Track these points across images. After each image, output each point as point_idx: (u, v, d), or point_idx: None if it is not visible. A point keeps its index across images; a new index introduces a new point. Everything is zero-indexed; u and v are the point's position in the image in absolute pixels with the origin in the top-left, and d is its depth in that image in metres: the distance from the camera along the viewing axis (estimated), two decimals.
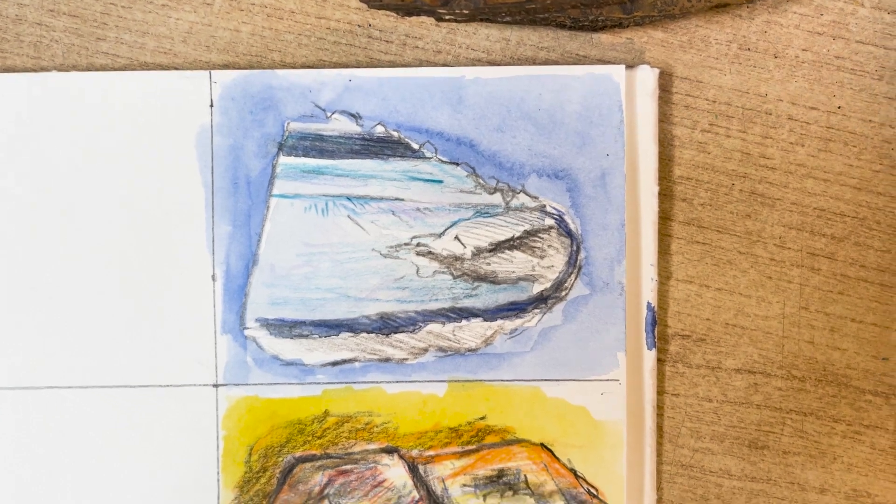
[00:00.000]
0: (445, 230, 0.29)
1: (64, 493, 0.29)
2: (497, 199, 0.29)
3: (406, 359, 0.29)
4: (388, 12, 0.29)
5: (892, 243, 0.30)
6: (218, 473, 0.29)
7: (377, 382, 0.29)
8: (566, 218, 0.29)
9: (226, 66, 0.30)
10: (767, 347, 0.30)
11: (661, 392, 0.30)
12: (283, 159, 0.29)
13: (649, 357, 0.29)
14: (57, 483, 0.29)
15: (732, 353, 0.30)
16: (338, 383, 0.29)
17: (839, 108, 0.30)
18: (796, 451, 0.30)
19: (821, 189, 0.30)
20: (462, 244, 0.29)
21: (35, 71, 0.30)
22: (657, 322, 0.30)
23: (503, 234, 0.29)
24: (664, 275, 0.30)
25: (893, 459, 0.30)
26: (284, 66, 0.30)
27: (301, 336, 0.29)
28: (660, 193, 0.30)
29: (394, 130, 0.29)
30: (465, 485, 0.29)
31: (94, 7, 0.30)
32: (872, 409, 0.30)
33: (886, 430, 0.30)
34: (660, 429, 0.30)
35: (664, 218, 0.30)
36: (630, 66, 0.29)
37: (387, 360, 0.29)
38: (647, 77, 0.29)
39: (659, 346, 0.30)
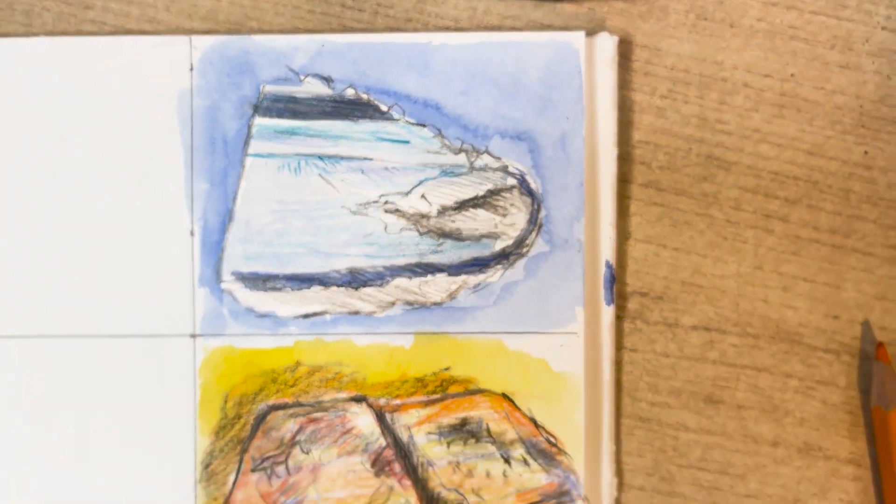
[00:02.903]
0: (412, 189, 0.30)
1: (41, 442, 0.30)
2: (462, 159, 0.30)
3: (374, 312, 0.31)
4: None
5: (843, 206, 0.31)
6: (195, 421, 0.31)
7: (346, 334, 0.31)
8: (527, 178, 0.30)
9: (206, 33, 0.31)
10: (723, 305, 0.31)
11: (619, 348, 0.31)
12: (259, 120, 0.30)
13: (607, 312, 0.31)
14: (33, 432, 0.30)
15: (689, 311, 0.31)
16: (309, 335, 0.31)
17: (792, 75, 0.31)
18: (750, 406, 0.32)
19: (775, 153, 0.31)
20: (428, 202, 0.30)
21: (25, 37, 0.32)
22: (615, 280, 0.31)
23: (467, 193, 0.30)
24: (623, 235, 0.31)
25: (844, 414, 0.31)
26: (262, 32, 0.31)
27: (274, 289, 0.31)
28: (619, 156, 0.31)
29: (363, 93, 0.30)
30: (430, 433, 0.31)
31: None
32: (824, 366, 0.31)
33: (837, 386, 0.31)
34: (618, 383, 0.31)
35: (623, 180, 0.31)
36: (590, 34, 0.30)
37: (356, 312, 0.31)
38: (606, 44, 0.30)
39: (618, 303, 0.31)
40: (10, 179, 0.30)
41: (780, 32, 0.31)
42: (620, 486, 0.31)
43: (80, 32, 0.32)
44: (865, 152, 0.31)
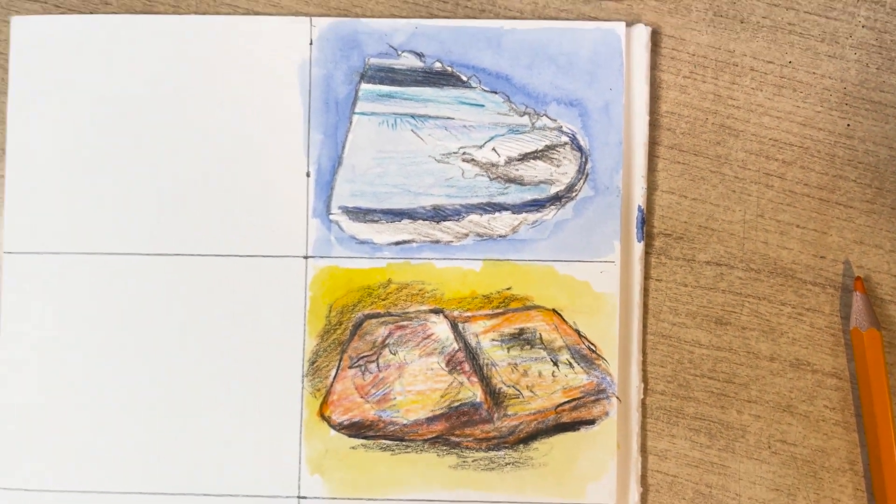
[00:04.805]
0: (485, 143, 0.38)
1: (173, 340, 0.38)
2: (525, 120, 0.38)
3: (451, 241, 0.38)
4: None
5: (828, 167, 0.39)
6: (304, 326, 0.38)
7: (429, 259, 0.38)
8: (577, 136, 0.38)
9: (319, 15, 0.39)
10: (731, 245, 0.39)
11: (647, 277, 0.39)
12: (364, 86, 0.38)
13: (638, 248, 0.38)
14: (169, 334, 0.38)
15: (704, 249, 0.39)
16: (399, 258, 0.38)
17: (790, 62, 0.39)
18: (752, 328, 0.39)
19: (774, 124, 0.39)
20: (497, 154, 0.38)
21: (168, 15, 0.39)
22: (645, 222, 0.38)
23: (529, 148, 0.38)
24: (652, 186, 0.39)
25: (828, 336, 0.39)
26: (365, 17, 0.39)
27: (372, 221, 0.38)
28: (650, 123, 0.38)
29: (448, 66, 0.38)
30: (493, 339, 0.38)
31: None
32: (812, 296, 0.39)
33: (822, 313, 0.39)
34: (645, 305, 0.39)
35: (653, 142, 0.39)
36: (629, 25, 0.38)
37: (437, 241, 0.38)
38: (641, 33, 0.38)
39: (646, 241, 0.39)
40: (166, 129, 0.38)
41: (780, 27, 0.39)
42: (645, 389, 0.39)
43: (218, 12, 0.39)
44: (848, 125, 0.39)
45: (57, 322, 0.38)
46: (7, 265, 0.38)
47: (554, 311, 0.38)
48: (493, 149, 0.38)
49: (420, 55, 0.38)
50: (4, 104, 0.39)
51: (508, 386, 0.38)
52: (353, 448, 0.38)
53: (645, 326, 0.39)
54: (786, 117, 0.39)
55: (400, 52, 0.38)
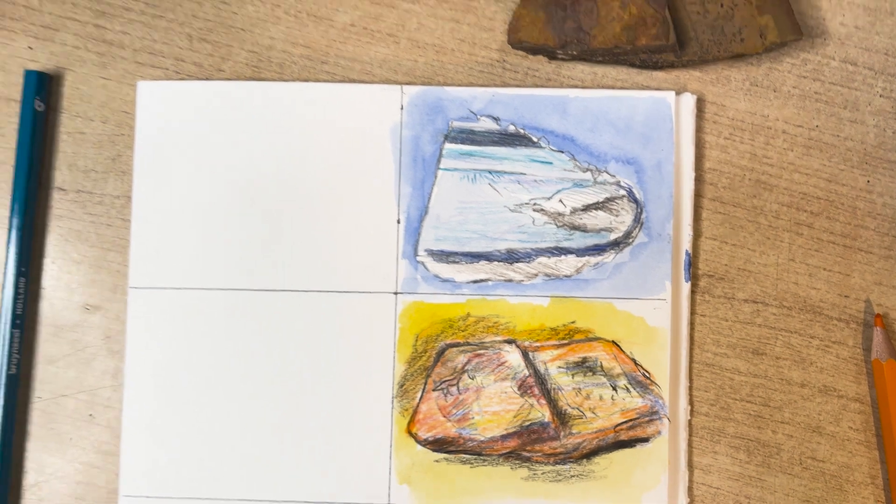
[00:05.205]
0: (553, 195, 0.44)
1: (275, 369, 0.43)
2: (588, 176, 0.44)
3: (523, 280, 0.44)
4: (517, 53, 0.44)
5: (851, 218, 0.45)
6: (394, 353, 0.43)
7: (503, 295, 0.43)
8: (633, 190, 0.44)
9: (408, 84, 0.45)
10: (766, 285, 0.44)
11: (693, 313, 0.44)
12: (448, 145, 0.44)
13: (685, 287, 0.44)
14: (276, 364, 0.43)
15: (742, 289, 0.44)
16: (476, 295, 0.44)
17: (817, 126, 0.45)
18: (785, 358, 0.44)
19: (803, 180, 0.45)
20: (564, 205, 0.44)
21: (277, 82, 0.45)
22: (692, 265, 0.44)
23: (591, 199, 0.44)
24: (697, 234, 0.44)
25: (852, 366, 0.44)
26: (448, 85, 0.45)
27: (454, 262, 0.44)
28: (695, 178, 0.44)
29: (521, 129, 0.44)
30: (559, 367, 0.43)
31: (321, 42, 0.45)
32: (837, 331, 0.44)
33: (847, 346, 0.44)
34: (692, 339, 0.44)
35: (698, 196, 0.44)
36: (678, 93, 0.44)
37: (510, 280, 0.44)
38: (688, 101, 0.44)
39: (693, 281, 0.44)
40: (275, 181, 0.44)
41: (808, 96, 0.45)
42: (692, 411, 0.44)
43: (318, 80, 0.45)
44: (867, 181, 0.45)
45: (176, 349, 0.43)
46: (132, 299, 0.44)
47: (613, 342, 0.43)
48: (560, 200, 0.44)
49: (496, 119, 0.44)
50: (131, 157, 0.45)
51: (573, 408, 0.43)
52: (436, 461, 0.43)
53: (692, 356, 0.44)
54: (813, 174, 0.45)
55: (479, 117, 0.44)
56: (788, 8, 0.43)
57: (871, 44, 0.45)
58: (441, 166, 0.44)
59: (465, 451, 0.43)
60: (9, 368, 0.44)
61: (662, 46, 0.42)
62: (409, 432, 0.43)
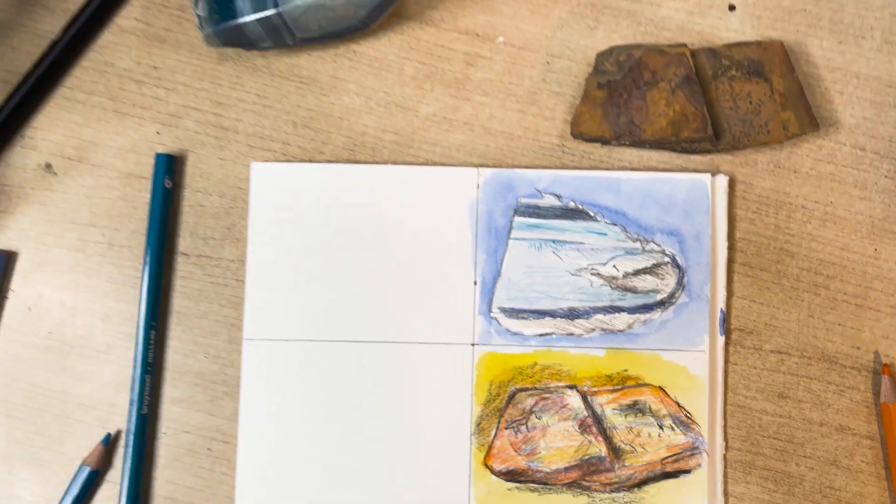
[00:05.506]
0: (608, 261, 0.51)
1: (376, 413, 0.50)
2: (637, 245, 0.51)
3: (582, 334, 0.51)
4: (577, 140, 0.52)
5: (861, 281, 0.52)
6: (472, 396, 0.51)
7: (565, 347, 0.51)
8: (676, 257, 0.51)
9: (482, 165, 0.52)
10: (789, 339, 0.52)
11: (727, 362, 0.52)
12: (517, 219, 0.51)
13: (720, 340, 0.51)
14: (370, 406, 0.50)
15: (769, 341, 0.52)
16: (542, 346, 0.51)
17: (831, 202, 0.52)
18: (805, 401, 0.51)
19: (820, 248, 0.52)
20: (617, 270, 0.51)
21: (372, 164, 0.53)
22: (726, 320, 0.51)
23: (640, 265, 0.51)
24: (730, 293, 0.52)
25: (864, 408, 0.51)
26: (517, 167, 0.52)
27: (523, 318, 0.51)
28: (728, 247, 0.52)
29: (579, 205, 0.51)
30: (614, 408, 0.51)
31: (407, 129, 0.53)
32: (850, 377, 0.52)
33: (859, 390, 0.52)
34: (726, 384, 0.51)
35: (730, 262, 0.52)
36: (713, 175, 0.52)
37: (571, 334, 0.51)
38: (721, 181, 0.52)
39: (727, 335, 0.52)
40: (370, 248, 0.51)
41: (823, 177, 0.52)
42: (727, 446, 0.51)
43: (405, 162, 0.53)
44: (875, 249, 0.52)
45: (284, 393, 0.51)
46: (246, 349, 0.51)
47: (660, 387, 0.50)
48: (614, 266, 0.51)
49: (558, 196, 0.51)
50: (244, 227, 0.52)
51: (626, 444, 0.50)
52: (509, 489, 0.50)
53: (726, 399, 0.51)
54: (829, 243, 0.52)
55: (543, 194, 0.51)
56: (807, 104, 0.50)
57: (876, 132, 0.52)
58: (512, 236, 0.51)
59: (533, 481, 0.50)
60: (140, 408, 0.51)
61: (701, 138, 0.49)
62: (486, 465, 0.50)
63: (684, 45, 0.50)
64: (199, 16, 0.49)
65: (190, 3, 0.50)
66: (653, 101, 0.49)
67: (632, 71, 0.50)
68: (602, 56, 0.51)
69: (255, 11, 0.47)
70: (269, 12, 0.47)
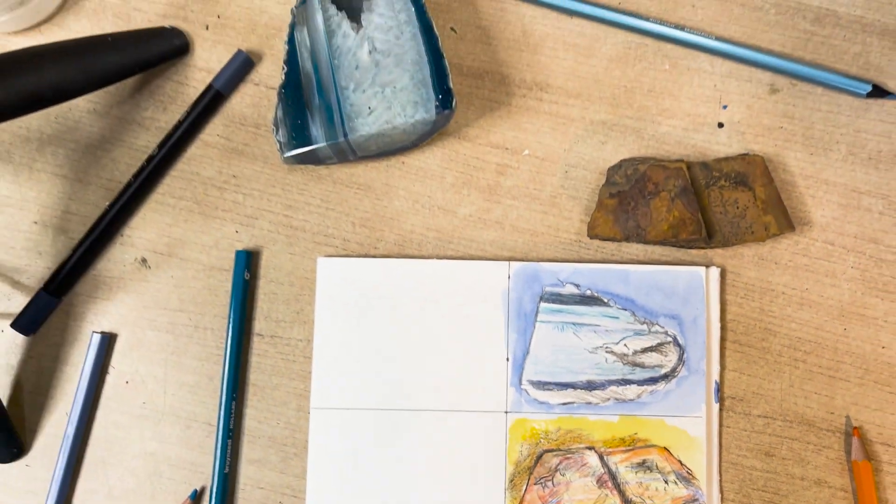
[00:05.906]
0: (619, 341, 0.60)
1: (425, 472, 0.59)
2: (644, 327, 0.61)
3: (599, 403, 0.60)
4: (593, 239, 0.62)
5: (833, 355, 0.61)
6: (505, 456, 0.60)
7: (584, 414, 0.60)
8: (677, 338, 0.60)
9: (512, 259, 0.62)
10: (773, 405, 0.61)
11: (721, 425, 0.61)
12: (543, 304, 0.61)
13: (715, 407, 0.60)
14: (419, 465, 0.59)
15: (756, 407, 0.61)
16: (565, 413, 0.60)
17: (806, 289, 0.62)
18: (788, 458, 0.61)
19: (798, 328, 0.62)
20: (627, 348, 0.60)
21: (418, 258, 0.62)
22: (720, 390, 0.61)
23: (647, 344, 0.61)
24: (723, 367, 0.61)
25: (838, 465, 0.60)
26: (541, 260, 0.62)
27: (548, 389, 0.60)
28: (721, 328, 0.61)
29: (595, 293, 0.61)
30: (626, 466, 0.60)
31: (448, 228, 0.63)
32: (826, 438, 0.61)
33: (833, 449, 0.61)
34: (721, 445, 0.61)
35: (723, 340, 0.61)
36: (707, 267, 0.61)
37: (589, 402, 0.60)
38: (714, 273, 0.61)
39: (720, 402, 0.61)
40: (417, 329, 0.61)
41: (800, 267, 0.62)
42: (722, 498, 0.60)
43: (445, 257, 0.62)
44: (844, 329, 0.62)
45: (347, 453, 0.59)
46: (313, 416, 0.60)
47: (665, 448, 0.60)
48: (625, 345, 0.60)
49: (577, 285, 0.61)
50: (311, 311, 0.62)
51: (636, 496, 0.59)
52: None
53: (721, 457, 0.60)
54: (805, 324, 0.62)
55: (565, 284, 0.61)
56: (784, 209, 0.60)
57: (844, 230, 0.62)
58: (538, 319, 0.61)
59: None
60: (223, 468, 0.60)
61: (697, 238, 0.59)
62: None
63: (681, 161, 0.60)
64: (279, 141, 0.58)
65: (271, 130, 0.60)
66: (656, 208, 0.59)
67: (638, 182, 0.60)
68: (612, 170, 0.61)
69: (327, 140, 0.57)
70: (339, 140, 0.57)
